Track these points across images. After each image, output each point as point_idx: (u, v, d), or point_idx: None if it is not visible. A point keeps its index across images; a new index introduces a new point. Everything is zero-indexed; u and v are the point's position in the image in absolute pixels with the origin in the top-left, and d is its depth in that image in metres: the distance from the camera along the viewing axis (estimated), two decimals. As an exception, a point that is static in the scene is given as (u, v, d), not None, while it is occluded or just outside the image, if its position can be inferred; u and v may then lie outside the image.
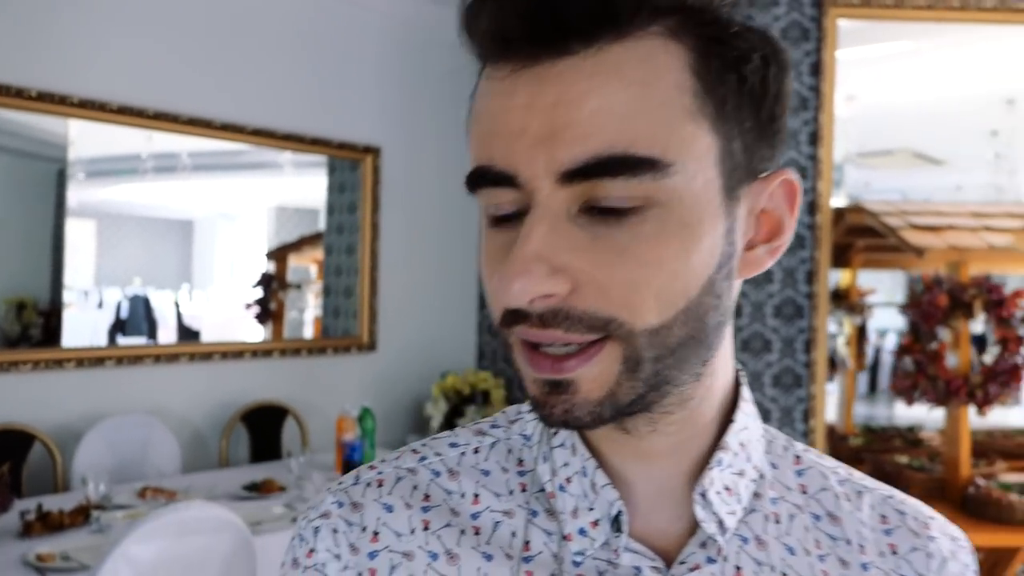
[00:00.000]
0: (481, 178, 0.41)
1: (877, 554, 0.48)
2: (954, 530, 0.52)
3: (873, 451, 3.11)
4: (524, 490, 0.49)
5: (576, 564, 0.45)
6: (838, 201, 3.71)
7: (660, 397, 0.43)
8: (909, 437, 3.40)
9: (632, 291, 0.39)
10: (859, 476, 0.53)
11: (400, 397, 3.95)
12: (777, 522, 0.48)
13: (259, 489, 2.64)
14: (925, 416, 3.19)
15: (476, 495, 0.50)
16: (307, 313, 3.97)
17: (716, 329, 0.43)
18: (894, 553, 0.48)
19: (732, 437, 0.47)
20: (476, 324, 4.37)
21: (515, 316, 0.40)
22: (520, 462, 0.50)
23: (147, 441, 2.96)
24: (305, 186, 3.92)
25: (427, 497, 0.50)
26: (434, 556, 0.48)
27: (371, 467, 0.53)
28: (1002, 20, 3.25)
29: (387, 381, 3.90)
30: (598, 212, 0.39)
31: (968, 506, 2.52)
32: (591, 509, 0.46)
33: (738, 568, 0.46)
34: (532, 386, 0.42)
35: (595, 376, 0.40)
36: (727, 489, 0.46)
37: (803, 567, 0.47)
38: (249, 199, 3.92)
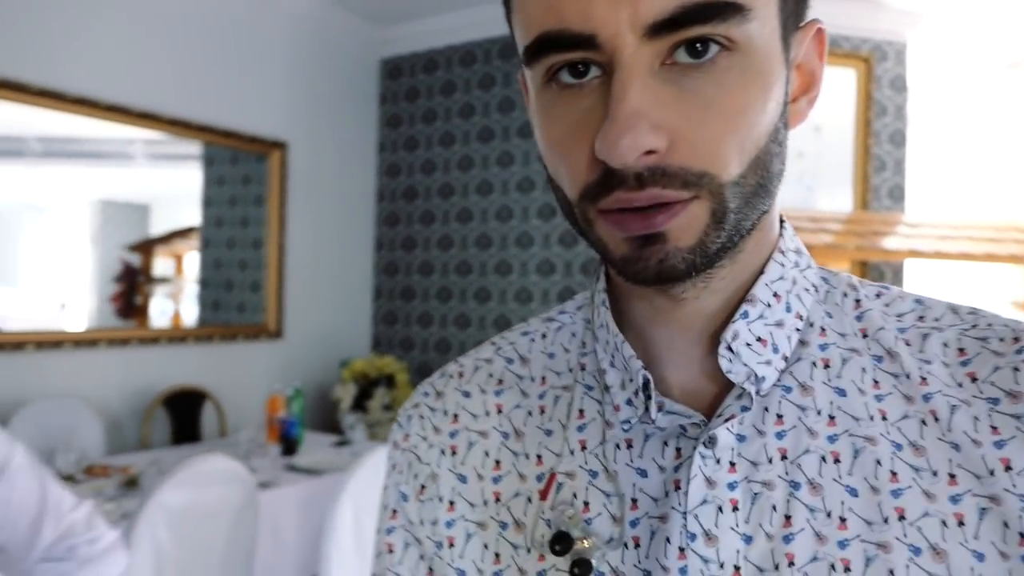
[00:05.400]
0: (550, 43, 0.40)
1: (946, 385, 0.44)
2: None
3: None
4: (584, 368, 0.52)
5: (625, 431, 0.48)
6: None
7: (734, 248, 0.43)
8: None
9: (720, 144, 0.39)
10: (940, 314, 0.47)
11: (304, 381, 4.12)
12: (827, 367, 0.46)
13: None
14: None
15: (543, 377, 0.53)
16: (168, 308, 3.83)
17: (778, 177, 0.44)
18: (973, 380, 0.44)
19: (760, 289, 0.46)
20: (371, 314, 4.60)
21: (608, 183, 0.40)
22: (583, 344, 0.53)
23: (73, 425, 2.96)
24: (139, 178, 3.66)
25: (500, 382, 0.54)
26: (505, 435, 0.52)
27: (456, 362, 0.58)
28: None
29: (292, 366, 4.05)
30: (683, 64, 0.39)
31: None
32: (631, 380, 0.48)
33: (779, 416, 0.45)
34: (621, 247, 0.42)
35: (684, 226, 0.40)
36: (760, 340, 0.46)
37: (855, 407, 0.44)
38: (68, 191, 3.47)
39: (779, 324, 0.46)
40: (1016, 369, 0.43)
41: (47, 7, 2.98)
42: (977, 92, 4.39)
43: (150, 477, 2.32)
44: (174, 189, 3.88)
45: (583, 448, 0.49)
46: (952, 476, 0.42)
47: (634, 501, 0.46)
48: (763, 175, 0.42)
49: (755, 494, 0.44)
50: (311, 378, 4.16)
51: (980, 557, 0.40)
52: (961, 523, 0.41)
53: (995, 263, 3.52)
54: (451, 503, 0.52)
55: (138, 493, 2.26)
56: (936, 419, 0.43)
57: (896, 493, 0.42)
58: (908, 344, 0.46)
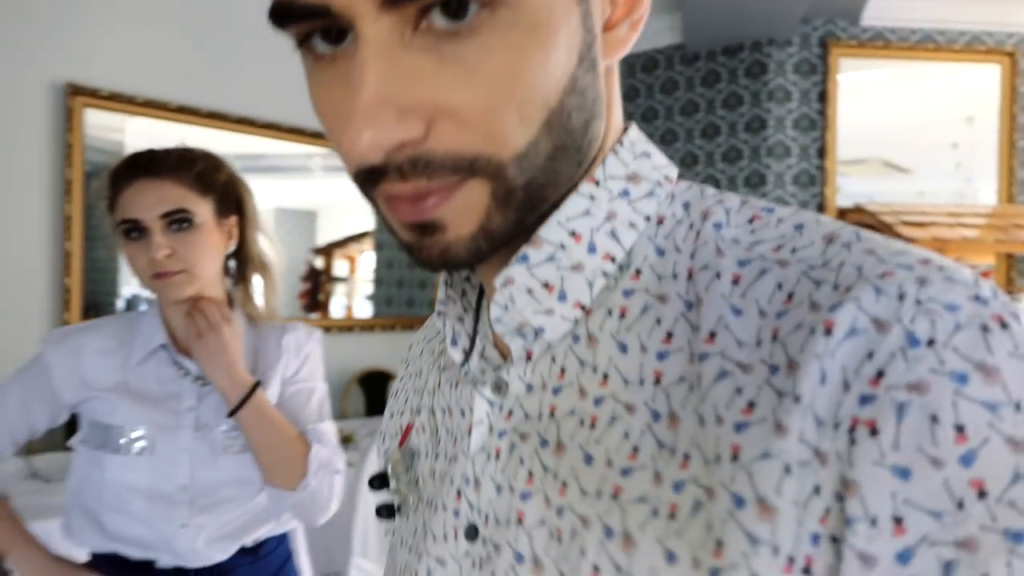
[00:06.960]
0: (285, 13, 0.34)
1: (739, 343, 0.34)
2: (934, 288, 0.30)
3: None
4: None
5: (466, 373, 0.47)
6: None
7: (537, 216, 0.39)
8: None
9: (493, 117, 0.34)
10: (806, 242, 0.36)
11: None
12: (622, 316, 0.39)
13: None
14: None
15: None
16: (343, 303, 4.39)
17: (584, 129, 0.38)
18: (774, 338, 0.33)
19: (550, 229, 0.40)
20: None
21: (371, 175, 0.35)
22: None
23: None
24: (310, 188, 4.16)
25: (437, 333, 0.57)
26: (412, 376, 0.57)
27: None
28: (967, 59, 4.07)
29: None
30: (440, 29, 0.33)
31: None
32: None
33: (563, 370, 0.41)
34: (403, 233, 0.37)
35: (460, 211, 0.36)
36: (547, 286, 0.40)
37: (630, 367, 0.38)
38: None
39: (577, 267, 0.40)
40: (812, 331, 0.32)
41: (246, 54, 3.63)
42: None
43: (361, 437, 2.87)
44: (338, 197, 4.37)
45: (439, 386, 0.51)
46: (687, 457, 0.34)
47: (455, 439, 0.47)
48: (562, 136, 0.36)
49: (512, 445, 0.42)
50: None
51: (671, 558, 0.33)
52: (672, 515, 0.34)
53: None
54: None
55: (354, 447, 2.81)
56: (700, 385, 0.35)
57: (625, 472, 0.36)
58: (736, 284, 0.36)
